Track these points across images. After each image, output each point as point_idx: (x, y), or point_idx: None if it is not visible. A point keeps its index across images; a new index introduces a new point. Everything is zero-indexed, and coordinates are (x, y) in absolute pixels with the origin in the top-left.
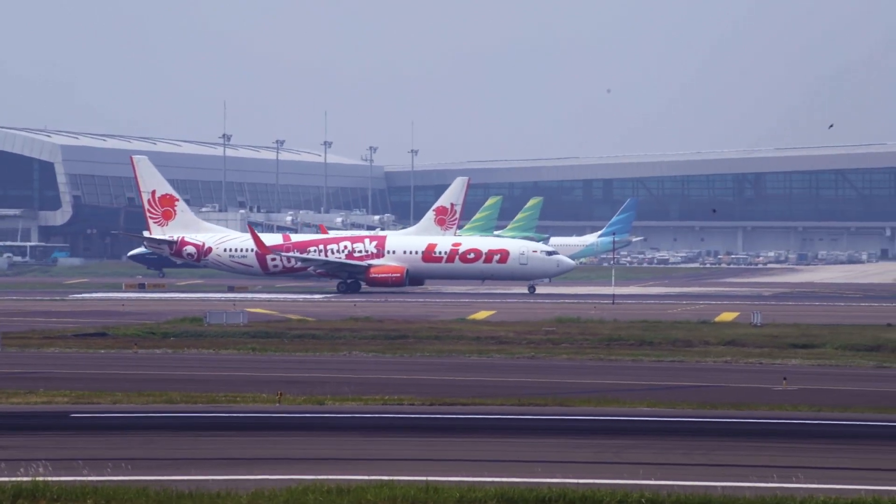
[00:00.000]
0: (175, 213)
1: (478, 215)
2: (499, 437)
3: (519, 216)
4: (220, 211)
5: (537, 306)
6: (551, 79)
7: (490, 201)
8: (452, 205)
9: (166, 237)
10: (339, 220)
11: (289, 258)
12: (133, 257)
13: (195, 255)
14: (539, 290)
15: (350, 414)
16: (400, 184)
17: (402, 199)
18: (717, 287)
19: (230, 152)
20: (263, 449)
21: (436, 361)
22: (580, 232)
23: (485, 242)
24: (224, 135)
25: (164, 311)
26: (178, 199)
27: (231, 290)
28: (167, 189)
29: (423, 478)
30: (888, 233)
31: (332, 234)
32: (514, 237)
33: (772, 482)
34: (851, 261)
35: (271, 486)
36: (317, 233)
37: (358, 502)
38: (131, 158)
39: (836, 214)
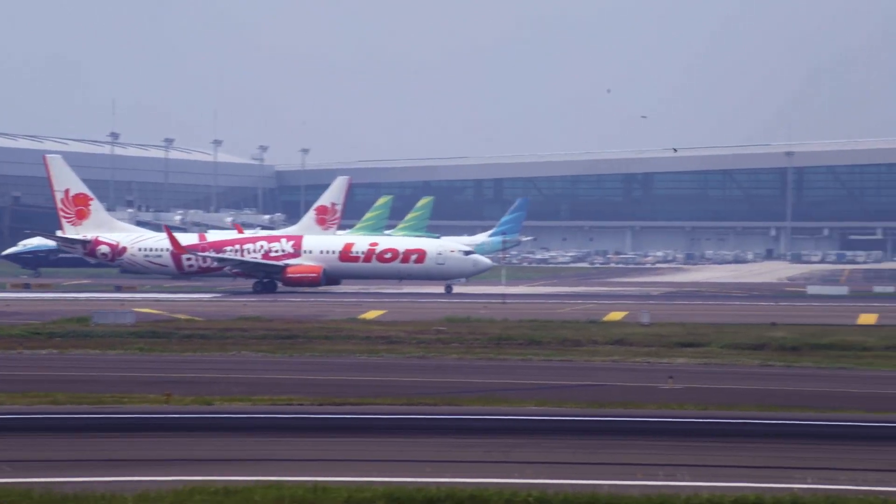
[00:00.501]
0: (89, 213)
1: (368, 214)
2: (388, 437)
3: (410, 216)
4: (109, 210)
5: (428, 306)
6: (445, 80)
7: (381, 201)
8: (333, 204)
9: (80, 236)
10: (228, 219)
11: (204, 258)
12: (7, 257)
13: (109, 255)
14: (455, 289)
15: (238, 414)
16: (291, 183)
17: (293, 198)
18: (605, 287)
19: (118, 151)
20: (150, 450)
21: (326, 361)
22: (471, 232)
23: (402, 242)
24: (112, 133)
25: (50, 311)
26: (92, 199)
27: (119, 289)
28: (81, 188)
29: (312, 478)
30: (773, 232)
31: (224, 234)
32: (405, 237)
33: (658, 480)
34: (737, 260)
35: (157, 487)
36: (204, 232)
37: (245, 503)
38: (44, 157)
39: (722, 214)
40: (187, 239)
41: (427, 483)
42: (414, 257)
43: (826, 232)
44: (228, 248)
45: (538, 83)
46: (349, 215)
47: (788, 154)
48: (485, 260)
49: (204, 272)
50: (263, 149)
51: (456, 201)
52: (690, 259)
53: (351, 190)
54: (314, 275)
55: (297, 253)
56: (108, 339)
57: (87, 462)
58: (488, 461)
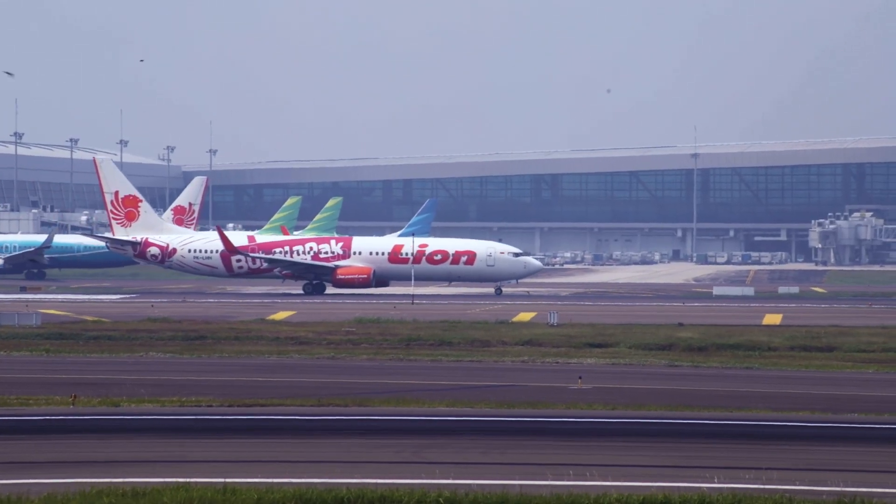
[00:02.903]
0: (139, 214)
1: (277, 215)
2: (298, 438)
3: (318, 216)
4: (13, 210)
5: (338, 307)
6: (354, 80)
7: (289, 201)
8: (191, 204)
9: (129, 238)
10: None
11: (254, 259)
12: None
13: (159, 257)
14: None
15: (146, 416)
16: None
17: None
18: (514, 287)
19: (22, 150)
20: (56, 452)
21: (235, 362)
22: (380, 232)
23: (452, 244)
24: (16, 132)
25: None
26: (141, 201)
27: (23, 290)
28: (131, 190)
29: (221, 479)
30: (679, 234)
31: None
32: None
33: (567, 480)
34: (645, 261)
35: (64, 489)
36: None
37: None
38: (94, 160)
39: (629, 215)
40: (237, 240)
41: (337, 484)
42: (464, 259)
43: (731, 233)
44: (277, 249)
45: (448, 83)
46: (258, 216)
47: (694, 156)
48: (535, 262)
49: (253, 273)
50: (170, 149)
51: (365, 202)
52: (598, 260)
53: (256, 190)
54: (365, 276)
55: (346, 254)
56: (13, 341)
57: None
58: (399, 462)
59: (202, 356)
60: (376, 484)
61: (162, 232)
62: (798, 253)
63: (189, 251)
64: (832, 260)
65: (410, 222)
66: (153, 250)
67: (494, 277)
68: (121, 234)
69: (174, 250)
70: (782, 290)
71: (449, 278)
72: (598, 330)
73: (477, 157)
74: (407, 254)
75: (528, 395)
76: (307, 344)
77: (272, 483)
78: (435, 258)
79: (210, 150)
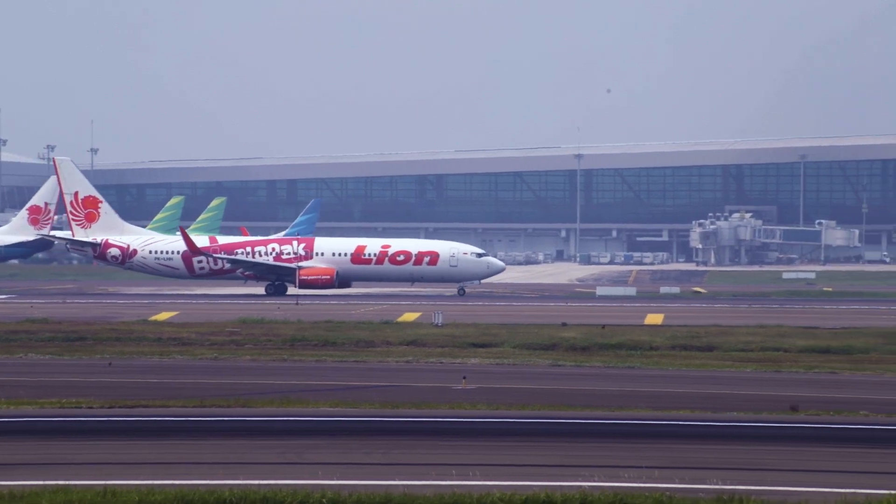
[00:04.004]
0: (99, 215)
1: (159, 215)
2: (180, 440)
3: (202, 216)
4: None
5: (222, 307)
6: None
7: (172, 201)
8: (46, 204)
9: (90, 239)
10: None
11: (216, 260)
12: None
13: (120, 258)
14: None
15: (25, 418)
16: None
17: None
18: (399, 287)
19: None
20: None
21: (116, 363)
22: (265, 232)
23: (415, 244)
24: None
25: None
26: (101, 201)
27: None
28: (91, 191)
29: (102, 482)
30: (563, 234)
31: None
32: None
33: (451, 480)
34: (529, 261)
35: None
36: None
37: None
38: (53, 160)
39: (514, 216)
40: (198, 241)
41: (220, 485)
42: (427, 259)
43: (614, 234)
44: (239, 250)
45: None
46: (140, 216)
47: (577, 157)
48: (498, 262)
49: (215, 274)
50: (51, 148)
51: (249, 202)
52: None
53: (139, 190)
54: (328, 277)
55: (308, 255)
56: None
57: None
58: (282, 463)
59: (83, 357)
60: (259, 485)
61: (123, 233)
62: (679, 253)
63: (150, 252)
64: (712, 260)
65: (295, 222)
66: (113, 251)
67: (457, 278)
68: (81, 235)
69: (135, 251)
70: (664, 290)
71: (412, 279)
72: (483, 330)
73: (362, 157)
74: (370, 255)
75: (413, 395)
76: (190, 345)
77: (154, 485)
78: (398, 259)
79: (91, 150)
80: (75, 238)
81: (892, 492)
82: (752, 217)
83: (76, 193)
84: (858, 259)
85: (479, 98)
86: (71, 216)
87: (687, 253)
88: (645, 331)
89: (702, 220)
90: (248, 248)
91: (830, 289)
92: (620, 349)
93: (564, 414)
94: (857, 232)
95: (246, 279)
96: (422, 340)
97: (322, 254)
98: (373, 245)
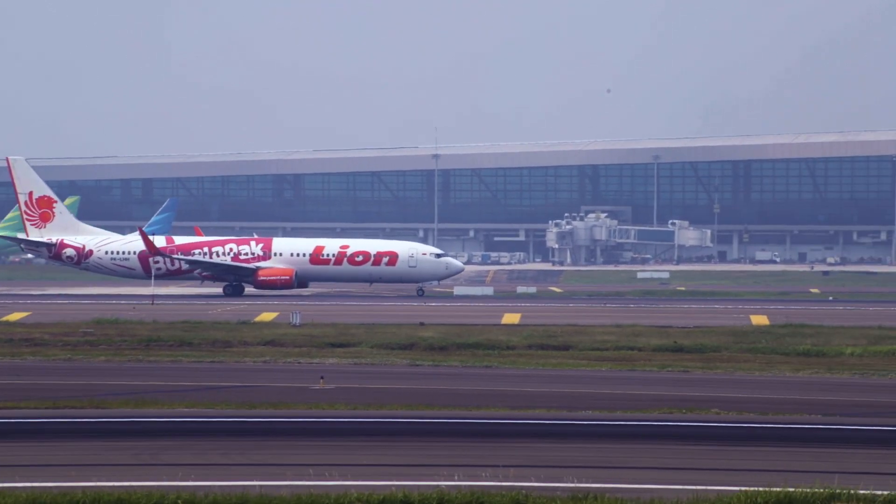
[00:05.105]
0: (53, 216)
1: (10, 214)
2: (31, 441)
3: None
4: None
5: (75, 307)
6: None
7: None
8: None
9: (44, 240)
10: None
11: (174, 260)
12: None
13: (75, 258)
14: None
15: None
16: None
17: None
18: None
19: None
20: None
21: None
22: (121, 232)
23: (374, 245)
24: None
25: None
26: (56, 201)
27: None
28: (45, 191)
29: None
30: (421, 234)
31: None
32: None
33: (308, 480)
34: None
35: None
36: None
37: None
38: (7, 159)
39: (372, 216)
40: (155, 242)
41: (72, 487)
42: (385, 260)
43: (472, 233)
44: (196, 250)
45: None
46: None
47: (434, 156)
48: (457, 263)
49: (172, 275)
50: None
51: (103, 201)
52: None
53: None
54: (287, 277)
55: (266, 255)
56: None
57: None
58: (136, 464)
59: None
60: (113, 487)
61: (78, 233)
62: (536, 253)
63: (106, 253)
64: (569, 260)
65: (150, 221)
66: (69, 252)
67: (416, 278)
68: (35, 235)
69: (90, 252)
70: (521, 289)
71: (370, 279)
72: (341, 330)
73: (219, 156)
74: (328, 255)
75: (270, 395)
76: (43, 345)
77: (4, 487)
78: (356, 259)
79: None
80: (30, 238)
81: (742, 488)
82: (607, 217)
83: (31, 193)
84: (710, 258)
85: (344, 98)
86: (25, 216)
87: (544, 253)
88: (502, 330)
89: (558, 221)
90: (206, 249)
91: (683, 288)
92: (478, 349)
93: (422, 413)
94: (709, 232)
95: (203, 280)
96: (279, 340)
97: (280, 254)
98: (331, 245)
